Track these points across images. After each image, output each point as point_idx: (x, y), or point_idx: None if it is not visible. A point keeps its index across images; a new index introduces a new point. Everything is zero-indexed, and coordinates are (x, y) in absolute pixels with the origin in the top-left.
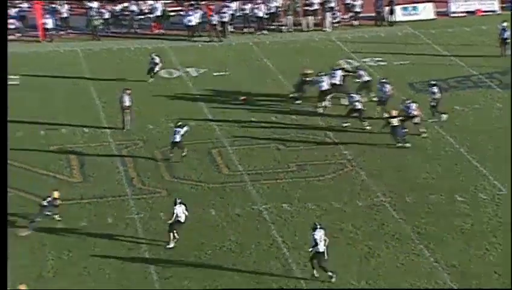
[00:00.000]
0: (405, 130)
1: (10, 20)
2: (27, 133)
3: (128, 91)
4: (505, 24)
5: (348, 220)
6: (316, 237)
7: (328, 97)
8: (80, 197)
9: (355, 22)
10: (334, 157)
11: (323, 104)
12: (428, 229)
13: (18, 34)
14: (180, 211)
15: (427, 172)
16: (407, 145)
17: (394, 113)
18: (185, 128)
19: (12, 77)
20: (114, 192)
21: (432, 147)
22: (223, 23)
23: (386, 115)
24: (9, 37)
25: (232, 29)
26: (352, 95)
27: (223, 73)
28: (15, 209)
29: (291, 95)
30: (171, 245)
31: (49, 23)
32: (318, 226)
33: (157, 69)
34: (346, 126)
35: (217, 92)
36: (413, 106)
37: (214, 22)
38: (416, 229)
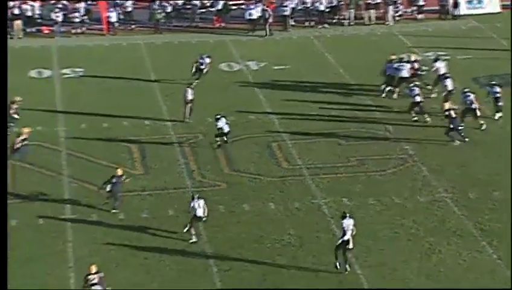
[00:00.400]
0: (462, 125)
1: (75, 14)
2: (90, 125)
3: (192, 86)
4: None
5: (409, 216)
6: (343, 225)
7: (391, 88)
8: (141, 189)
9: (419, 16)
10: (395, 152)
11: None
12: (492, 226)
13: (83, 28)
14: (196, 205)
15: (490, 168)
16: (466, 139)
17: (447, 106)
18: (225, 119)
19: (76, 69)
20: (175, 184)
21: (495, 142)
22: (284, 17)
23: (445, 108)
24: (74, 30)
25: (293, 23)
26: (412, 88)
27: (283, 67)
28: (81, 200)
29: (383, 87)
30: (194, 239)
31: (113, 16)
32: (347, 215)
33: (203, 67)
34: (414, 120)
35: (277, 85)
36: (472, 96)
37: (266, 16)
38: (479, 226)
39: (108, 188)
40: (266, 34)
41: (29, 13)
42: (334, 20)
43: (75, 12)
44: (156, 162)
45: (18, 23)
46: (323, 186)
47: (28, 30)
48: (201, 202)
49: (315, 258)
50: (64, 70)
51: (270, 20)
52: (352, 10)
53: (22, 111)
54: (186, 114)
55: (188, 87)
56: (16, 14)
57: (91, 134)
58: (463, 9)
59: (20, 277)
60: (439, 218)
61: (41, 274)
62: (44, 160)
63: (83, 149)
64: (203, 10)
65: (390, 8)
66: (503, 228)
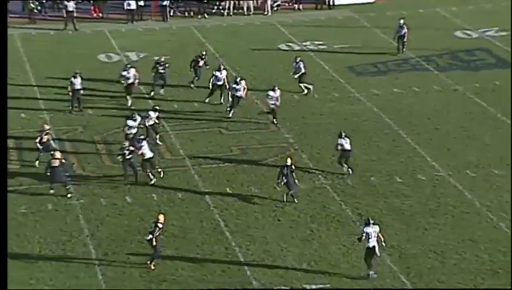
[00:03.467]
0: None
1: None
2: None
3: (78, 74)
4: (402, 21)
5: (291, 203)
6: (364, 232)
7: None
8: (19, 184)
9: (296, 6)
10: (276, 140)
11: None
12: (369, 210)
13: None
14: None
15: (367, 154)
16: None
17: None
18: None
19: None
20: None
21: (371, 129)
22: (163, 7)
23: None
24: None
25: (172, 13)
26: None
27: (164, 57)
28: None
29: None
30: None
31: None
32: (371, 222)
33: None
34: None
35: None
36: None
37: (131, 7)
38: (356, 211)
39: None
40: (65, 28)
41: None
42: (213, 10)
43: None
44: (33, 156)
45: None
46: (207, 176)
47: None
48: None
49: (199, 248)
50: None
51: (75, 14)
52: (231, 0)
53: None
54: (74, 104)
55: (74, 77)
56: None
57: None
58: None
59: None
60: (319, 204)
61: None
62: None
63: None
64: (79, 0)
65: None
66: (379, 212)
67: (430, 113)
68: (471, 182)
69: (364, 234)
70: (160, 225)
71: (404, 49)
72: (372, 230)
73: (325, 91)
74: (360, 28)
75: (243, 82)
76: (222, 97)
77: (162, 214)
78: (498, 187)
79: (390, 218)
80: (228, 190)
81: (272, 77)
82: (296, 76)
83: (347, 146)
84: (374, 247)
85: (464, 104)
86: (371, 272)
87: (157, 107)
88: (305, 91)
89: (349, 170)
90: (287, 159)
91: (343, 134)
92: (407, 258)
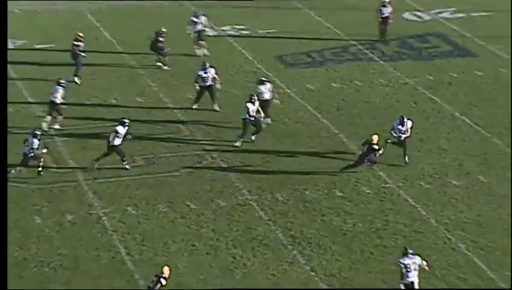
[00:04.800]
0: None
1: None
2: None
3: None
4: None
5: (208, 225)
6: (402, 265)
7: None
8: None
9: None
10: (189, 148)
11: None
12: (304, 231)
13: None
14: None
15: (300, 162)
16: None
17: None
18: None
19: None
20: None
21: (305, 132)
22: None
23: None
24: None
25: None
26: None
27: (48, 46)
28: None
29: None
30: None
31: None
32: (410, 252)
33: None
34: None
35: (40, 69)
36: None
37: None
38: (288, 233)
39: None
40: None
41: None
42: None
43: None
44: None
45: None
46: (103, 193)
47: None
48: None
49: (94, 281)
50: None
51: None
52: None
53: None
54: None
55: None
56: None
57: None
58: None
59: None
60: (243, 225)
61: None
62: None
63: None
64: None
65: None
66: (316, 233)
67: (375, 111)
68: (425, 195)
69: (402, 266)
70: (163, 281)
71: (386, 37)
72: (411, 261)
73: (249, 86)
74: (291, 10)
75: (212, 70)
76: (214, 101)
77: (167, 266)
78: (457, 201)
79: (329, 240)
80: (130, 210)
81: (184, 70)
82: (193, 32)
83: (266, 95)
84: (412, 283)
85: (415, 101)
86: None
87: (62, 81)
88: (198, 52)
89: (267, 119)
90: (372, 136)
91: (265, 79)
92: (350, 288)
